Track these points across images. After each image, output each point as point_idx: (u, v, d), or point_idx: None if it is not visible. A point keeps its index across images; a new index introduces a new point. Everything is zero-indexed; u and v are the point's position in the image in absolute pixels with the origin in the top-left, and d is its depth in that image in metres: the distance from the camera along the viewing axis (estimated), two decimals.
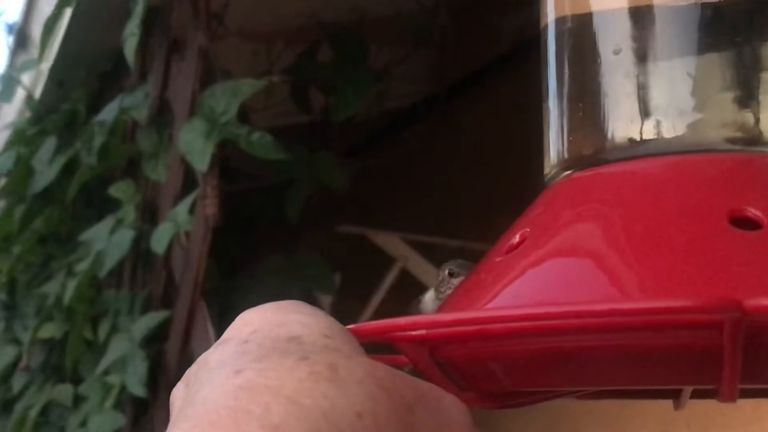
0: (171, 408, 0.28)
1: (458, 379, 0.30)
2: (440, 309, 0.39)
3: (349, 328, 0.28)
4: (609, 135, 0.34)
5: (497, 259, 0.33)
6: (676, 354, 0.28)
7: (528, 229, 0.33)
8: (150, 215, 1.49)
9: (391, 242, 1.82)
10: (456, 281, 0.47)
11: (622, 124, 0.33)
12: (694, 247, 0.29)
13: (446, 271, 0.49)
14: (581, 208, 0.33)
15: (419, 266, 1.76)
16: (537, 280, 0.31)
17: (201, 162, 1.24)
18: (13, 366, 1.87)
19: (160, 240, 1.32)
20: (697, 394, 0.37)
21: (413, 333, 0.29)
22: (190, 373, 0.27)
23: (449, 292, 0.47)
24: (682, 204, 0.31)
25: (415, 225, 1.86)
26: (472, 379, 0.31)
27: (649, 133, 0.33)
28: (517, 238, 0.33)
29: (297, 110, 1.63)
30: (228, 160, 1.40)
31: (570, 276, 0.31)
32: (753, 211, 0.30)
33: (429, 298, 0.58)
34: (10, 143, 1.92)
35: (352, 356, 0.26)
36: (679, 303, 0.26)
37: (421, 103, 2.04)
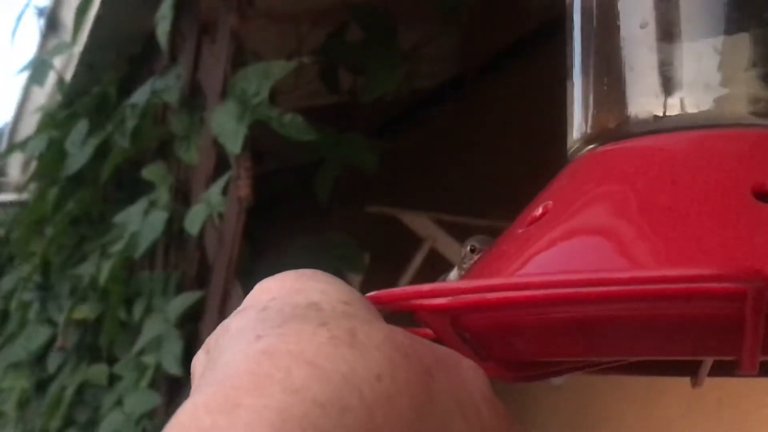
0: (192, 375, 0.28)
1: (477, 348, 0.30)
2: (462, 280, 0.39)
3: (369, 296, 0.28)
4: (633, 109, 0.34)
5: (519, 231, 0.33)
6: (697, 324, 0.28)
7: (550, 202, 0.33)
8: (182, 197, 1.50)
9: (420, 222, 1.83)
10: (478, 257, 0.47)
11: (647, 98, 0.33)
12: (717, 220, 0.29)
13: (468, 248, 0.49)
14: (604, 181, 0.33)
15: (447, 246, 1.77)
16: (559, 251, 0.31)
17: (234, 144, 1.25)
18: (48, 346, 1.90)
19: (193, 221, 1.33)
20: (717, 372, 0.38)
21: (435, 301, 0.29)
22: (211, 340, 0.27)
23: None
24: (706, 177, 0.31)
25: (444, 205, 1.86)
26: (491, 349, 0.31)
27: (674, 107, 0.33)
28: (539, 210, 0.33)
29: (324, 91, 1.63)
30: (255, 142, 1.41)
31: (592, 247, 0.31)
32: None
33: (453, 275, 0.58)
34: (42, 126, 1.94)
35: (371, 322, 0.26)
36: (702, 271, 0.26)
37: (449, 83, 2.04)
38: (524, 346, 0.31)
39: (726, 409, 1.43)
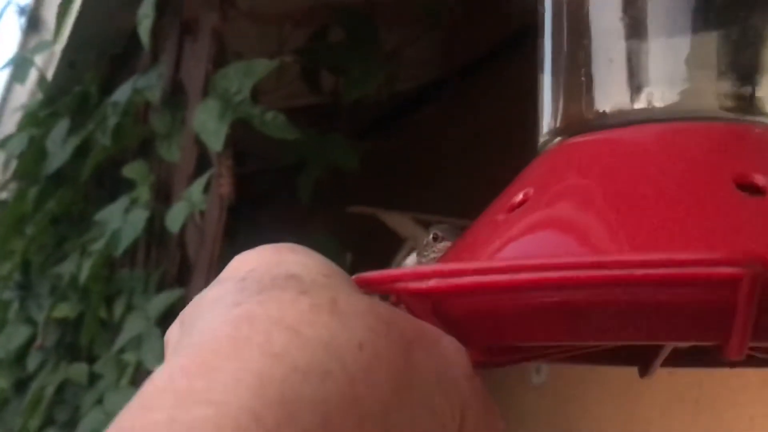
0: (165, 345, 0.27)
1: (458, 333, 0.29)
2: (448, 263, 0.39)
3: (352, 278, 0.28)
4: (603, 102, 0.34)
5: (499, 218, 0.32)
6: (684, 309, 0.27)
7: (531, 189, 0.32)
8: (163, 196, 1.50)
9: (402, 222, 1.83)
10: (441, 245, 0.47)
11: (617, 92, 0.34)
12: (705, 208, 0.29)
13: (431, 236, 0.49)
14: (587, 169, 0.33)
15: None
16: (546, 237, 0.31)
17: (216, 142, 1.25)
18: (28, 346, 1.89)
19: (175, 219, 1.33)
20: (687, 363, 0.38)
21: (420, 284, 0.28)
22: (186, 313, 0.27)
23: (434, 255, 0.47)
24: (688, 167, 0.31)
25: (425, 205, 1.87)
26: (472, 333, 0.30)
27: (644, 100, 0.33)
28: (520, 197, 0.32)
29: (306, 92, 1.64)
30: (237, 143, 1.41)
31: (582, 233, 0.31)
32: (760, 178, 0.30)
33: (411, 261, 0.58)
34: (23, 125, 1.93)
35: (351, 293, 0.26)
36: (700, 255, 0.26)
37: (430, 86, 2.04)
38: (507, 330, 0.30)
39: (703, 409, 1.44)
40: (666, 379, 1.32)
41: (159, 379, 0.23)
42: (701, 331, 0.28)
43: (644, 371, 0.38)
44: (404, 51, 1.67)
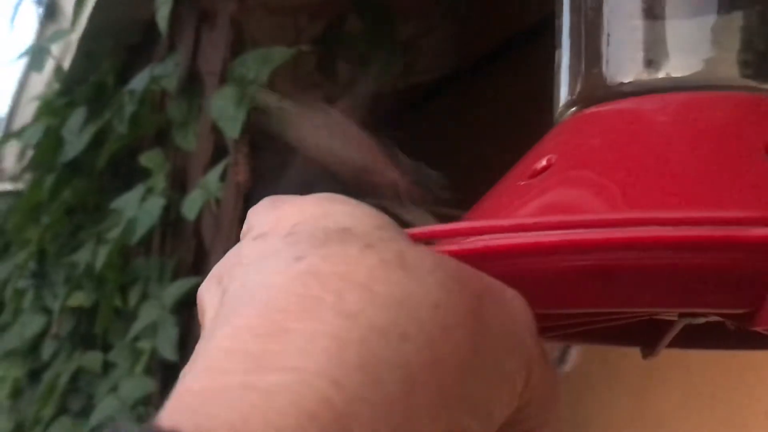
0: (200, 305, 0.25)
1: None
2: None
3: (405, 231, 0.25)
4: (622, 73, 0.33)
5: (521, 184, 0.32)
6: (718, 274, 0.27)
7: (554, 155, 0.32)
8: (179, 184, 1.50)
9: (418, 215, 1.83)
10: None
11: (635, 62, 0.33)
12: (739, 173, 0.29)
13: None
14: (610, 135, 0.32)
15: None
16: (577, 199, 0.30)
17: (232, 129, 1.25)
18: (43, 335, 1.89)
19: (191, 206, 1.33)
20: (692, 344, 0.37)
21: (462, 245, 0.26)
22: (221, 270, 0.24)
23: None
24: (717, 134, 0.31)
25: (442, 198, 1.86)
26: None
27: (663, 70, 0.33)
28: (543, 163, 0.32)
29: (322, 83, 1.63)
30: (255, 134, 1.41)
31: (614, 197, 0.30)
32: None
33: None
34: (39, 114, 1.94)
35: (414, 246, 0.23)
36: (735, 214, 0.25)
37: (447, 78, 2.04)
38: (537, 296, 0.29)
39: (719, 403, 1.43)
40: (680, 374, 1.32)
41: (223, 338, 0.21)
42: (733, 297, 0.27)
43: (649, 351, 0.37)
44: (420, 42, 1.66)
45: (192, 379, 0.21)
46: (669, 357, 0.38)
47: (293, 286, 0.22)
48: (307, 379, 0.20)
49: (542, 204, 0.31)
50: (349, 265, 0.22)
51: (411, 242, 0.24)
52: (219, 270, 0.25)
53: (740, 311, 0.28)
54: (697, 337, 0.37)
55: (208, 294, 0.25)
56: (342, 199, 0.25)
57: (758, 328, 0.28)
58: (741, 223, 0.25)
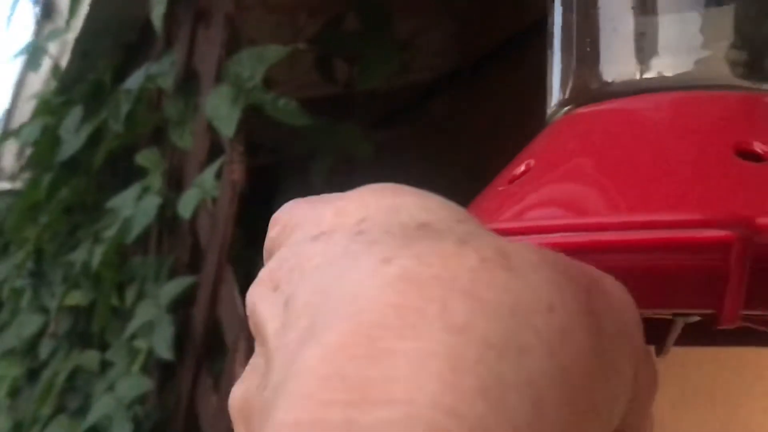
0: (256, 320, 0.21)
1: None
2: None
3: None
4: (612, 72, 0.33)
5: (500, 189, 0.32)
6: (677, 275, 0.27)
7: (532, 160, 0.32)
8: (175, 183, 1.50)
9: None
10: None
11: (626, 61, 0.33)
12: (701, 174, 0.29)
13: None
14: (586, 138, 0.32)
15: None
16: (546, 204, 0.31)
17: (228, 127, 1.24)
18: (40, 334, 1.89)
19: (186, 205, 1.33)
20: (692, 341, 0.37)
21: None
22: (277, 276, 0.21)
23: None
24: (689, 135, 0.31)
25: (441, 196, 1.86)
26: None
27: (654, 70, 0.33)
28: (521, 168, 0.32)
29: (320, 82, 1.63)
30: (252, 134, 1.41)
31: (577, 201, 0.30)
32: (760, 146, 0.29)
33: None
34: (37, 113, 1.94)
35: (506, 241, 0.20)
36: (688, 216, 0.25)
37: (446, 77, 2.04)
38: None
39: (718, 401, 1.42)
40: (678, 371, 1.31)
41: (313, 359, 0.18)
42: (696, 298, 0.27)
43: (659, 350, 0.37)
44: (418, 41, 1.66)
45: (285, 409, 0.18)
46: (666, 355, 0.38)
47: (386, 294, 0.18)
48: (419, 413, 0.17)
49: (514, 211, 0.31)
50: (448, 267, 0.19)
51: (500, 236, 0.21)
52: (272, 275, 0.22)
53: (708, 311, 0.28)
54: (694, 335, 0.37)
55: (263, 303, 0.21)
56: (409, 189, 0.22)
57: (723, 327, 0.28)
58: (697, 225, 0.25)
